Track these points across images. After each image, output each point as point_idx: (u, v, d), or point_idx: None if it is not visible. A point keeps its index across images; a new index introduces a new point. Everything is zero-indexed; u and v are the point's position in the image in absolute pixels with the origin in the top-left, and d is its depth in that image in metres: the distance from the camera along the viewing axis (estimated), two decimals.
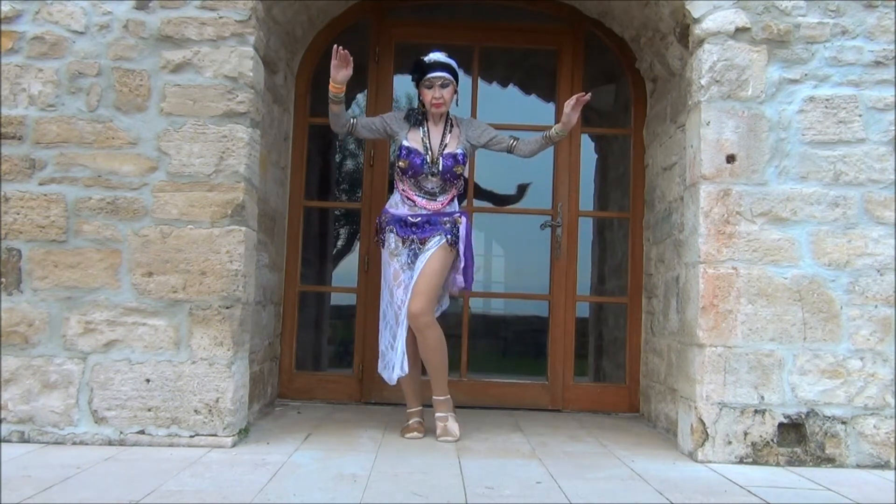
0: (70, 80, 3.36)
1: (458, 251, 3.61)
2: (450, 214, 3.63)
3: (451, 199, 3.68)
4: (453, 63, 3.63)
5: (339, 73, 3.43)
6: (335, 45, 3.42)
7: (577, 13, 4.55)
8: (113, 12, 3.38)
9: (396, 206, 3.67)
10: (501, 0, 4.70)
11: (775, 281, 3.32)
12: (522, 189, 5.09)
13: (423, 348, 3.55)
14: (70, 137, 3.34)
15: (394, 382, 3.56)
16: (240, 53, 3.38)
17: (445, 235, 3.58)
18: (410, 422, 3.63)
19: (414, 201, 3.61)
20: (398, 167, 3.62)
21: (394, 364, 3.52)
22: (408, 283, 3.56)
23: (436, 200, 3.62)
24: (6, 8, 3.37)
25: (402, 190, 3.65)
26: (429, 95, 3.59)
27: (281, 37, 3.96)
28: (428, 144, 3.61)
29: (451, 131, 3.66)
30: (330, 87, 3.46)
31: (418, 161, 3.56)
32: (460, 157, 3.61)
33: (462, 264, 3.64)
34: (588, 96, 3.58)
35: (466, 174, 3.83)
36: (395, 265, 3.61)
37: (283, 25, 3.91)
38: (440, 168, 3.57)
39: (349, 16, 4.55)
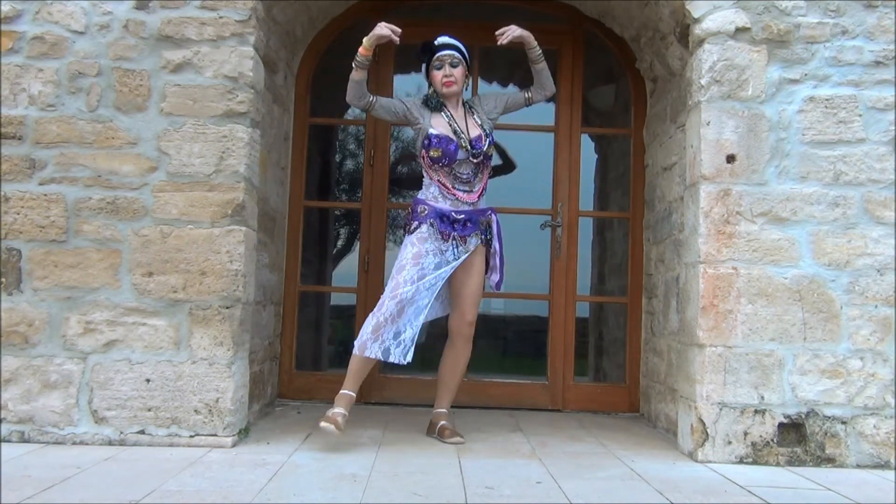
0: (70, 80, 3.36)
1: (493, 249, 3.56)
2: (484, 213, 3.53)
3: (484, 189, 3.55)
4: (461, 45, 3.54)
5: (383, 31, 3.32)
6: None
7: (577, 13, 4.55)
8: (113, 12, 3.38)
9: (436, 199, 3.48)
10: (501, 0, 4.70)
11: (775, 281, 3.32)
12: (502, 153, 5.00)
13: (454, 359, 3.59)
14: (70, 137, 3.34)
15: (402, 362, 3.30)
16: (240, 53, 3.38)
17: (482, 236, 3.52)
18: (334, 411, 3.26)
19: (455, 194, 3.46)
20: (429, 157, 3.44)
21: (408, 346, 3.29)
22: (432, 275, 3.36)
23: (472, 191, 3.49)
24: (6, 8, 3.37)
25: (439, 181, 3.48)
26: (439, 76, 3.48)
27: (281, 37, 3.96)
28: (457, 128, 3.47)
29: (470, 112, 3.57)
30: (360, 50, 3.35)
31: (452, 147, 3.41)
32: (490, 137, 3.50)
33: (497, 262, 3.57)
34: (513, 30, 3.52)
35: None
36: (420, 247, 3.39)
37: (283, 25, 3.91)
38: (475, 150, 3.44)
39: (349, 16, 4.54)
